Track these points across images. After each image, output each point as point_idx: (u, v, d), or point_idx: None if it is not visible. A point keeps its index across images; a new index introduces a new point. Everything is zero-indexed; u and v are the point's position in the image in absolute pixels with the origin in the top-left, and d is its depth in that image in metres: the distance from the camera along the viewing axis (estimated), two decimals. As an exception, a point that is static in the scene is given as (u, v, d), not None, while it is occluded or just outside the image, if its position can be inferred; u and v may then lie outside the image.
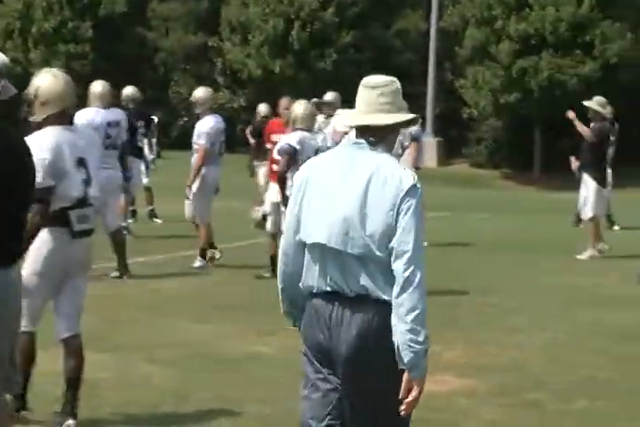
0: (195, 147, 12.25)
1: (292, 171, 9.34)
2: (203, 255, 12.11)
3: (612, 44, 31.49)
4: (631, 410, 6.76)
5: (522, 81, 31.57)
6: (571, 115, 14.09)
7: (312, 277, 4.12)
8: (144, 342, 8.30)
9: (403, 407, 3.94)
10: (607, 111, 15.18)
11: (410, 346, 3.90)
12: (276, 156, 10.12)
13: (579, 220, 16.06)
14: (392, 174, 4.02)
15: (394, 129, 4.19)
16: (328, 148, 9.72)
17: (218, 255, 12.36)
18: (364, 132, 4.15)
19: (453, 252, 14.21)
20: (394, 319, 3.94)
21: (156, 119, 17.11)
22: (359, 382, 4.06)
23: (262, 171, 13.93)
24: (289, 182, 9.35)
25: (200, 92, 12.51)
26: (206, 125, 12.15)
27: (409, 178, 4.02)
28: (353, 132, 4.31)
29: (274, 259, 11.52)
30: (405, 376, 3.94)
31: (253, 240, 13.18)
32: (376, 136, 4.12)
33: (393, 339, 3.94)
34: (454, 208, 20.40)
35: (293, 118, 9.54)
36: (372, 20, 35.61)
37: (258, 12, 35.10)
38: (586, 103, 14.15)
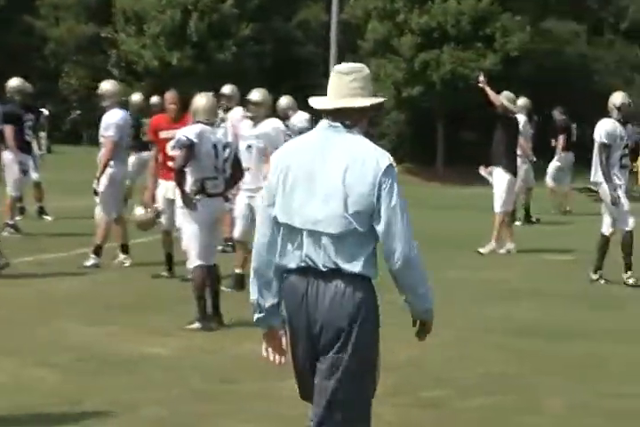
0: (101, 140, 11.91)
1: (190, 165, 8.96)
2: (97, 253, 11.75)
3: (512, 37, 31.75)
4: (528, 404, 6.74)
5: (424, 74, 31.67)
6: (481, 79, 13.77)
7: (287, 254, 4.27)
8: (32, 345, 7.98)
9: (421, 335, 4.40)
10: (519, 106, 15.13)
11: (421, 309, 4.32)
12: (171, 151, 9.73)
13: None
14: (369, 155, 4.23)
15: (366, 113, 4.36)
16: (227, 143, 9.34)
17: (127, 264, 11.98)
18: (336, 116, 4.29)
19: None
20: (406, 293, 4.26)
21: (46, 112, 16.66)
22: (338, 352, 4.21)
23: (130, 160, 13.88)
24: (188, 178, 8.96)
25: (108, 85, 12.29)
26: (115, 117, 11.88)
27: (385, 158, 4.25)
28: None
29: (169, 257, 11.19)
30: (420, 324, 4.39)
31: (150, 237, 12.81)
32: (351, 120, 4.29)
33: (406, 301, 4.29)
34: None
35: (194, 110, 9.14)
36: (272, 11, 35.33)
37: (154, 3, 34.50)
38: None
